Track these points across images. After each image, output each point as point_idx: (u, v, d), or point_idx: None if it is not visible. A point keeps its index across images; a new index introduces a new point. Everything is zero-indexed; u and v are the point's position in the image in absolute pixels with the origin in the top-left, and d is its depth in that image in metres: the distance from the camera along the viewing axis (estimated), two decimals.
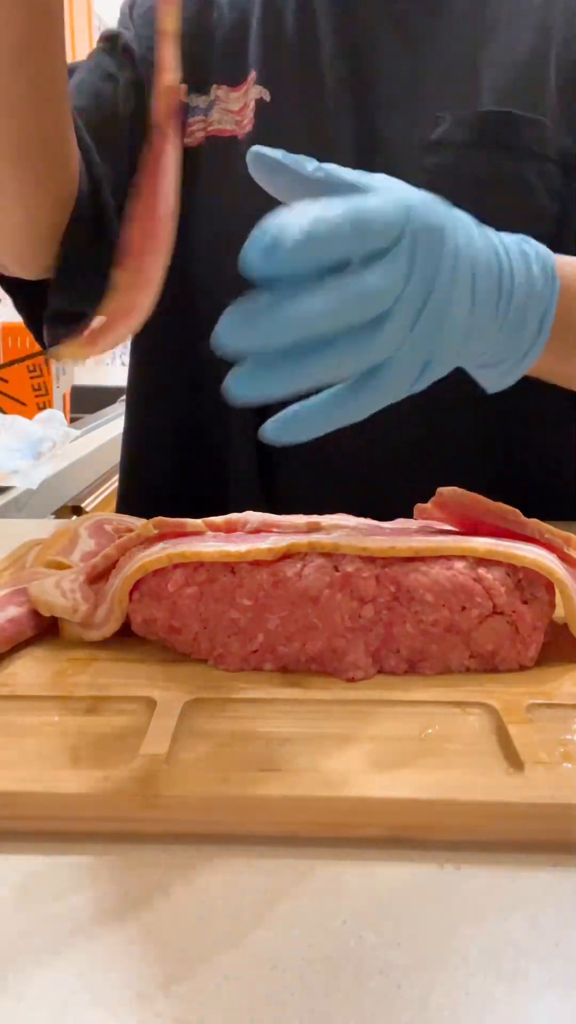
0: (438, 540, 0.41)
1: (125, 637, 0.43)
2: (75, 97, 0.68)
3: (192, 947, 0.26)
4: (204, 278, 0.71)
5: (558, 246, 0.64)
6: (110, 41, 0.71)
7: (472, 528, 0.45)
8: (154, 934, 0.27)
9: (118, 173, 0.66)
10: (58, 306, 0.70)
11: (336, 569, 0.40)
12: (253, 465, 0.70)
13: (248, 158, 0.40)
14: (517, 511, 0.43)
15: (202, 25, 0.70)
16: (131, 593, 0.42)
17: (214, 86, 0.69)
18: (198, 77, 0.70)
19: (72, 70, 0.72)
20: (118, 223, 0.66)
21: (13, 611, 0.43)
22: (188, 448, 0.75)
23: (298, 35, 0.67)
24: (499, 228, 0.62)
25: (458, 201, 0.62)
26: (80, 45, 1.87)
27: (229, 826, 0.31)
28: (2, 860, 0.30)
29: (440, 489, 0.44)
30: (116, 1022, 0.24)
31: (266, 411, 0.73)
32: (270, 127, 0.66)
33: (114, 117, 0.68)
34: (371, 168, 0.62)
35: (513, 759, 0.33)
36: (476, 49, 0.65)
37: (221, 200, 0.68)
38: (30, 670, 0.41)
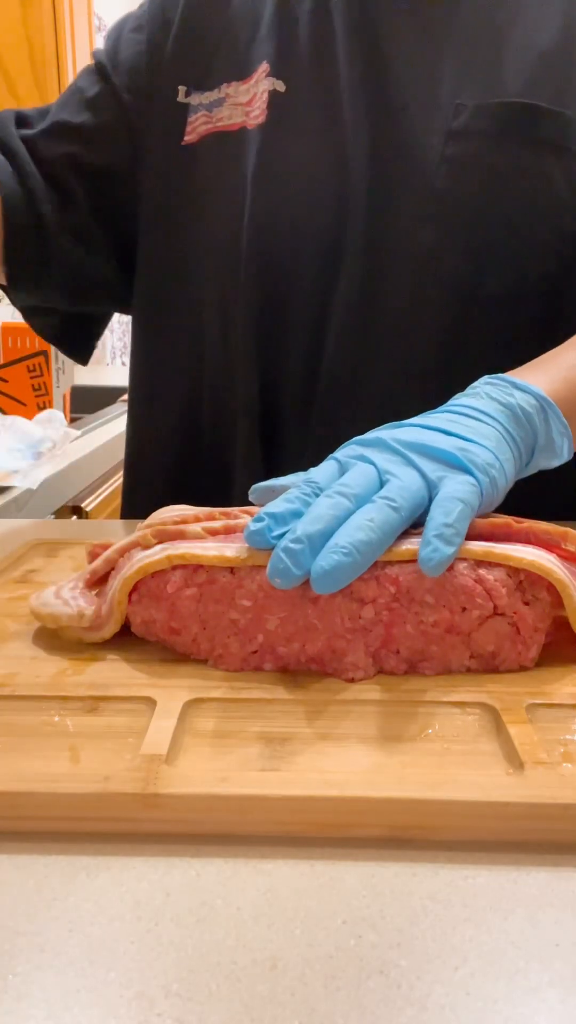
0: None
1: (125, 637, 0.43)
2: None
3: (192, 947, 0.26)
4: (206, 276, 0.71)
5: None
6: (99, 72, 0.74)
7: (468, 538, 0.45)
8: (154, 934, 0.27)
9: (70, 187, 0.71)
10: (21, 305, 0.78)
11: None
12: (257, 460, 0.70)
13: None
14: (509, 522, 0.43)
15: (208, 25, 0.71)
16: (130, 595, 0.42)
17: (224, 84, 0.69)
18: (202, 76, 0.70)
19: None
20: (64, 235, 0.71)
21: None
22: (190, 446, 0.75)
23: (312, 24, 0.67)
24: (519, 222, 0.63)
25: (478, 193, 0.62)
26: (80, 45, 1.87)
27: (229, 826, 0.31)
28: (2, 860, 0.30)
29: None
30: (116, 1022, 0.24)
31: (269, 412, 0.73)
32: (284, 117, 0.66)
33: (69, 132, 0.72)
34: (390, 157, 0.62)
35: (513, 759, 0.33)
36: (498, 35, 0.64)
37: (226, 195, 0.68)
38: (30, 670, 0.41)
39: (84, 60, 1.87)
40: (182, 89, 0.70)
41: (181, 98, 0.70)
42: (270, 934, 0.27)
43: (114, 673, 0.40)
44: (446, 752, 0.34)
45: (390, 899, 0.28)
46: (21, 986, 0.25)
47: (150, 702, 0.37)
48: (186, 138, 0.70)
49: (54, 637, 0.44)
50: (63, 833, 0.31)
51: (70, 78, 1.80)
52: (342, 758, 0.33)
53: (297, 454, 0.68)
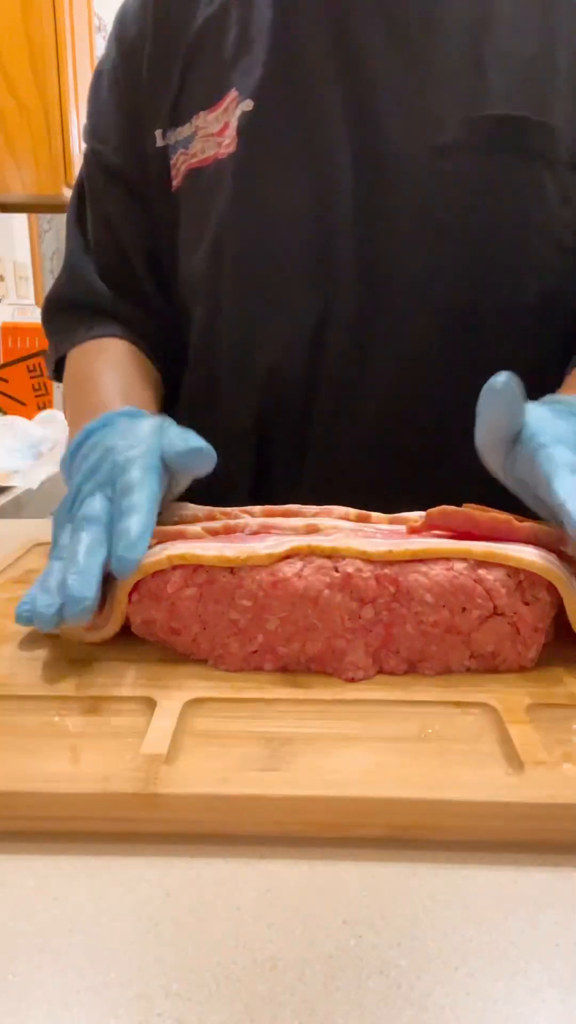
0: (436, 543, 0.41)
1: (125, 637, 0.43)
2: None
3: (192, 947, 0.26)
4: (193, 308, 0.70)
5: (573, 254, 0.63)
6: (100, 167, 0.72)
7: (469, 538, 0.45)
8: (154, 934, 0.27)
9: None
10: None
11: (336, 570, 0.40)
12: (251, 488, 0.69)
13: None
14: (511, 519, 0.43)
15: (173, 57, 0.68)
16: (130, 595, 0.42)
17: (194, 116, 0.66)
18: (173, 111, 0.68)
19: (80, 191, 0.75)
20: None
21: None
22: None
23: (283, 40, 0.63)
24: (513, 237, 0.62)
25: (469, 209, 0.61)
26: (80, 45, 1.87)
27: (229, 826, 0.31)
28: (2, 860, 0.30)
29: (429, 512, 0.44)
30: (116, 1022, 0.24)
31: (263, 445, 0.72)
32: (257, 140, 0.63)
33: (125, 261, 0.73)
34: (375, 175, 0.61)
35: (513, 759, 0.33)
36: (478, 46, 0.62)
37: (205, 232, 0.66)
38: (30, 670, 0.41)
39: (84, 60, 1.87)
40: (158, 133, 0.68)
41: (159, 142, 0.68)
42: (270, 934, 0.27)
43: (114, 673, 0.40)
44: (446, 752, 0.34)
45: (390, 899, 0.28)
46: (21, 986, 0.25)
47: (150, 702, 0.37)
48: (174, 183, 0.68)
49: (54, 637, 0.44)
50: (63, 833, 0.31)
51: (70, 78, 1.80)
52: (342, 758, 0.33)
53: (293, 481, 0.68)
